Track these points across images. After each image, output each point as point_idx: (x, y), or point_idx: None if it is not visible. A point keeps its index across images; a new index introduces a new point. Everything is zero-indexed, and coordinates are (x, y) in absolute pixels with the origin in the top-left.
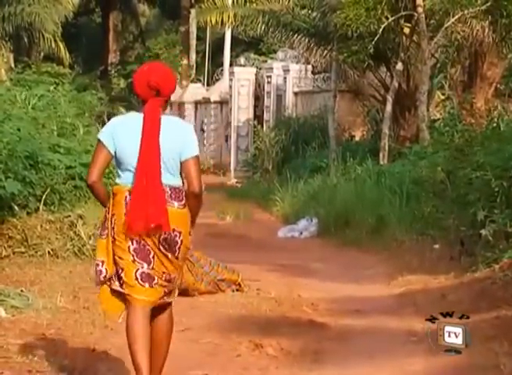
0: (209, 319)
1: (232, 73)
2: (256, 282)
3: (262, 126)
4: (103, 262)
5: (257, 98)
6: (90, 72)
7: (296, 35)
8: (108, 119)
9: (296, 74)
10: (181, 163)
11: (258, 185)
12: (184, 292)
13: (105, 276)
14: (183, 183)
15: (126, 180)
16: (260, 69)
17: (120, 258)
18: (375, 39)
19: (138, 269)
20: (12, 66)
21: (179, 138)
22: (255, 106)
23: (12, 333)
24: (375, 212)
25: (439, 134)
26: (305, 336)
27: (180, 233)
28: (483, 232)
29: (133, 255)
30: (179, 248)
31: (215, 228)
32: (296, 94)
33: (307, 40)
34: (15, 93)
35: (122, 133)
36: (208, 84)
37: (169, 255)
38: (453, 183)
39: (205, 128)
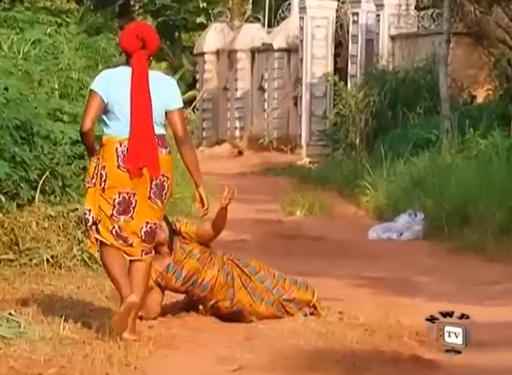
0: (272, 354)
1: (303, 9)
2: (338, 302)
3: (346, 84)
4: (90, 210)
5: (339, 45)
6: (105, 8)
7: None
8: None
9: (393, 10)
10: (166, 114)
11: (340, 166)
12: (237, 316)
13: (92, 223)
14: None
15: (115, 130)
16: (343, 2)
17: (101, 209)
18: None
19: (114, 227)
20: None
21: (164, 91)
22: (336, 56)
23: None
24: (506, 205)
25: None
26: None
27: (168, 178)
28: None
29: (113, 209)
30: (166, 193)
31: (279, 226)
32: (393, 38)
33: None
34: (0, 38)
35: (114, 84)
36: (269, 25)
37: (158, 202)
38: None
39: (266, 86)
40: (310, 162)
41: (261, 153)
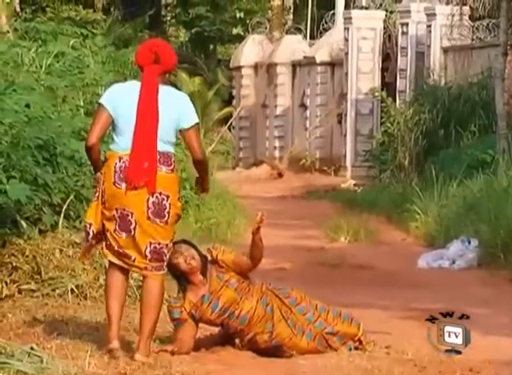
0: None
1: (348, 20)
2: (385, 336)
3: (394, 100)
4: (91, 224)
5: (387, 58)
6: (134, 18)
7: None
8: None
9: (445, 21)
10: (181, 133)
11: (388, 189)
12: (276, 350)
13: (92, 237)
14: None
15: (118, 145)
16: (391, 12)
17: (105, 225)
18: None
19: (116, 244)
20: (18, 9)
21: (175, 107)
22: (383, 70)
23: None
24: None
25: None
26: None
27: (168, 197)
28: None
29: (115, 224)
30: (168, 212)
31: (322, 254)
32: (445, 50)
33: None
34: (21, 50)
35: (122, 98)
36: (311, 37)
37: (158, 222)
38: None
39: (307, 103)
40: (355, 185)
41: (303, 175)
